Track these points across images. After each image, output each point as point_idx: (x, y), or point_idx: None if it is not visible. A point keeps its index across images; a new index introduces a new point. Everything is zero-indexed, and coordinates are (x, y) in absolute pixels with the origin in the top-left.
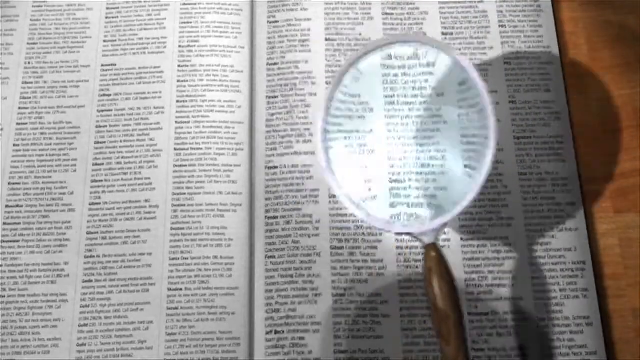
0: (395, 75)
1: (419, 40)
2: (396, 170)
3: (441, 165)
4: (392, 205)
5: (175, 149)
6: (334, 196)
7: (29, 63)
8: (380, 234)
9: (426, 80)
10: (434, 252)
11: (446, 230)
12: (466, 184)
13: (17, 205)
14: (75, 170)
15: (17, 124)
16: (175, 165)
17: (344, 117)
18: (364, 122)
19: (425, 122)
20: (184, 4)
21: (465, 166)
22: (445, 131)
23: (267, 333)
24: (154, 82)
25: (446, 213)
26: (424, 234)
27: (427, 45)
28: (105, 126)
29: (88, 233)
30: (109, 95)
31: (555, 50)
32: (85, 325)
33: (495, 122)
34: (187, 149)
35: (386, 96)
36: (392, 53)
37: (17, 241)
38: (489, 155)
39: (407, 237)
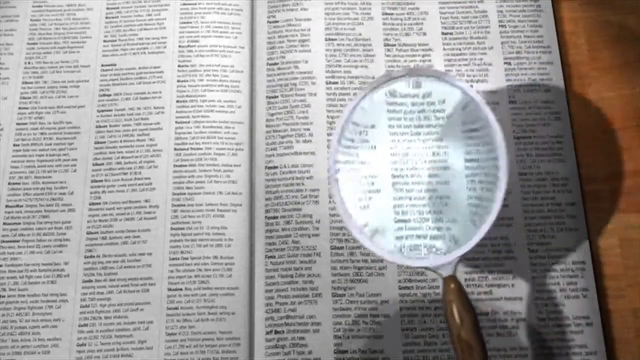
0: (402, 109)
1: (429, 75)
2: (405, 203)
3: (451, 197)
4: (403, 238)
5: (175, 149)
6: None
7: (29, 63)
8: None
9: (435, 115)
10: (453, 284)
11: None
12: (478, 215)
13: (17, 205)
14: (75, 170)
15: (17, 124)
16: (175, 165)
17: (352, 148)
18: (371, 151)
19: (434, 154)
20: (184, 4)
21: (475, 197)
22: (456, 163)
23: (267, 333)
24: (154, 82)
25: (462, 246)
26: (441, 267)
27: (433, 78)
28: (105, 126)
29: (88, 233)
30: (109, 95)
31: (555, 50)
32: (85, 325)
33: (507, 153)
34: (187, 149)
35: (391, 131)
36: (396, 88)
37: (17, 241)
38: (502, 189)
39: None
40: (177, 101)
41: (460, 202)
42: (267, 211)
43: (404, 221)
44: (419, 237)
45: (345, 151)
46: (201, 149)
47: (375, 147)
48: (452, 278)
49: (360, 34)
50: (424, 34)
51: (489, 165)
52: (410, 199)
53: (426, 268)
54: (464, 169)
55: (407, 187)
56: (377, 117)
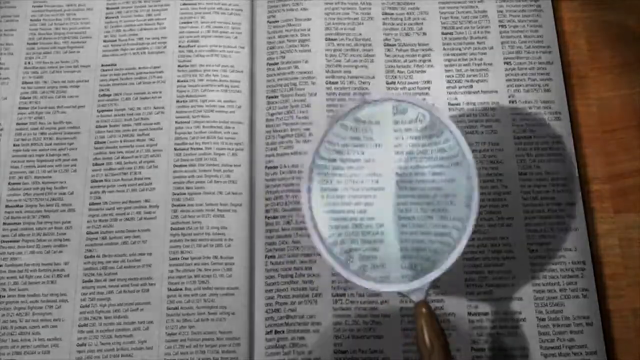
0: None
1: (411, 102)
2: (378, 230)
3: (423, 222)
4: (370, 258)
5: (175, 149)
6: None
7: (29, 63)
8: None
9: (414, 136)
10: (425, 309)
11: None
12: (449, 241)
13: (17, 205)
14: (75, 170)
15: (17, 124)
16: (175, 165)
17: (330, 168)
18: (350, 174)
19: (410, 180)
20: (184, 4)
21: (453, 218)
22: (428, 189)
23: (267, 333)
24: (154, 82)
25: (432, 271)
26: (413, 292)
27: (418, 106)
28: (105, 126)
29: (88, 233)
30: (109, 95)
31: (555, 50)
32: (85, 325)
33: (478, 183)
34: (187, 149)
35: (367, 154)
36: (362, 114)
37: (17, 241)
38: (473, 215)
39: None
40: (177, 101)
41: (433, 229)
42: (267, 211)
43: (377, 242)
44: (391, 262)
45: (321, 171)
46: (201, 149)
47: (362, 160)
48: (424, 303)
49: (360, 34)
50: (424, 34)
51: (462, 185)
52: (385, 224)
53: (398, 293)
54: (440, 201)
55: (385, 206)
56: (355, 144)
